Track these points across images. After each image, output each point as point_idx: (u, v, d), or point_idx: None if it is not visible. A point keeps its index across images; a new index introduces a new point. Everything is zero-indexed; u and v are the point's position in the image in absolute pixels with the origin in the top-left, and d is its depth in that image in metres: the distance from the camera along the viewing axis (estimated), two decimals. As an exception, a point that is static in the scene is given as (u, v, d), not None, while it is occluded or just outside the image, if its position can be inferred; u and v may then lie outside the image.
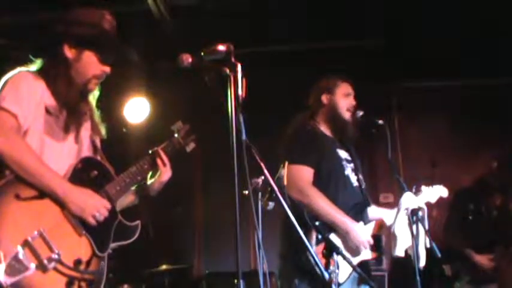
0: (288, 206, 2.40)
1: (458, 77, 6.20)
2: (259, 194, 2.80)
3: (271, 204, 2.85)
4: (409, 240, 3.46)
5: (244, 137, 2.28)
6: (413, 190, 3.74)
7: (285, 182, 2.91)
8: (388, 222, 3.67)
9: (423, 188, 3.74)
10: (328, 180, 3.60)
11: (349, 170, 3.74)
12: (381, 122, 3.72)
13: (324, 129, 3.80)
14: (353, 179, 3.74)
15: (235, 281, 2.16)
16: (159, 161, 2.79)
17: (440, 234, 5.01)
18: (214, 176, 5.33)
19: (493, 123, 6.13)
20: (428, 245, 3.54)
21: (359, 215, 3.66)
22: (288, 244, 3.52)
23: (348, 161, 3.78)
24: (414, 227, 3.44)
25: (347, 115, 3.80)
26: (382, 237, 5.75)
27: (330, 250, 2.81)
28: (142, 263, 5.28)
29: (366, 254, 3.59)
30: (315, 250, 3.38)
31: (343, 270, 3.36)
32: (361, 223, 3.63)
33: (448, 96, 6.35)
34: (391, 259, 5.55)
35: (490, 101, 6.16)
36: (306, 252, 3.35)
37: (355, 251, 3.52)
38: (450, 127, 6.37)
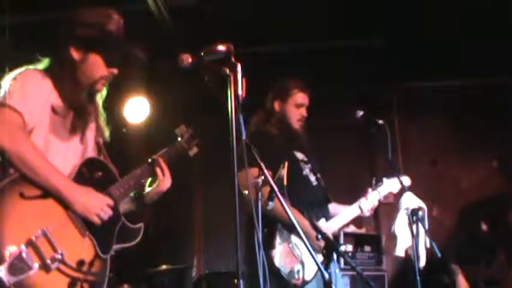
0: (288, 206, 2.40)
1: (458, 77, 6.20)
2: (259, 194, 2.80)
3: (271, 204, 2.85)
4: (409, 240, 3.47)
5: (244, 137, 2.28)
6: (373, 182, 3.80)
7: (285, 182, 2.92)
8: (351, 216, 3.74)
9: (384, 179, 3.81)
10: (289, 182, 3.61)
11: (307, 170, 3.78)
12: (380, 122, 3.74)
13: (279, 131, 3.82)
14: (312, 178, 3.79)
15: (235, 281, 2.15)
16: (158, 170, 2.75)
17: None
18: (214, 176, 5.32)
19: (493, 123, 6.13)
20: (428, 245, 3.55)
21: (320, 212, 3.70)
22: (248, 248, 3.47)
23: (305, 162, 3.82)
24: (414, 227, 3.45)
25: (297, 125, 3.83)
26: (382, 237, 5.77)
27: (331, 249, 2.81)
28: (142, 263, 5.27)
29: None
30: (280, 251, 3.41)
31: (309, 268, 3.39)
32: (323, 220, 3.67)
33: (448, 96, 6.35)
34: (391, 259, 5.58)
35: (490, 100, 6.16)
36: (268, 254, 3.34)
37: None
38: (450, 127, 6.37)
